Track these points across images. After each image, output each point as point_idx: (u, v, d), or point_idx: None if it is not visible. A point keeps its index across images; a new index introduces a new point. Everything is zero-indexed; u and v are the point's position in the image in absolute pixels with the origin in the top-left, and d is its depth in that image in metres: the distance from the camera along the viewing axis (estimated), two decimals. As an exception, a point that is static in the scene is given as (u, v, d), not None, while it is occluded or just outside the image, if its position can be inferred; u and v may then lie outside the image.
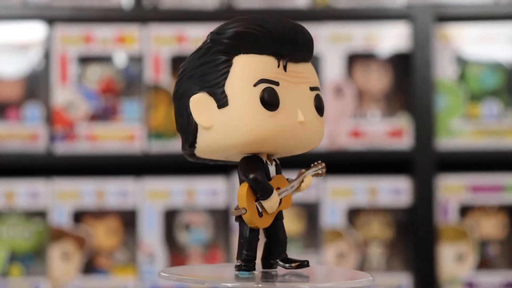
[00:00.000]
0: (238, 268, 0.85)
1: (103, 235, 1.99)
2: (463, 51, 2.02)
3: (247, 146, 0.84)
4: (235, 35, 0.83)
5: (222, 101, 0.83)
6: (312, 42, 0.87)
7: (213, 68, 0.84)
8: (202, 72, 0.84)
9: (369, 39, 2.00)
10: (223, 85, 0.83)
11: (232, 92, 0.83)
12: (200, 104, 0.83)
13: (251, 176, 0.84)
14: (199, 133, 0.84)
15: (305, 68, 0.87)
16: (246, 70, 0.83)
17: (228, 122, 0.83)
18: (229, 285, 0.81)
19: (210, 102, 0.83)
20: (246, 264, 0.85)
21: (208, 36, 0.86)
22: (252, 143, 0.83)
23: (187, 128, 0.85)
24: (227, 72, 0.83)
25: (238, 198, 0.85)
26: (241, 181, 0.85)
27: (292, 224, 1.98)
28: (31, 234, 1.98)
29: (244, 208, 0.84)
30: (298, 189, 0.88)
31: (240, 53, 0.83)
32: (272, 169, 0.86)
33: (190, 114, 0.84)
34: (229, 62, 0.83)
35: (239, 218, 0.85)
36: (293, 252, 1.96)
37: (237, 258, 0.85)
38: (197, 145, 0.85)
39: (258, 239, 0.86)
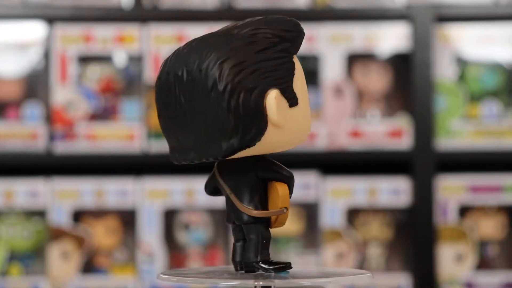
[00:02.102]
0: (279, 269, 0.84)
1: (102, 234, 1.99)
2: (463, 51, 2.02)
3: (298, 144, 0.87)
4: (299, 34, 0.85)
5: (293, 100, 0.83)
6: None
7: (281, 66, 0.83)
8: (268, 68, 0.82)
9: (369, 39, 2.00)
10: (292, 84, 0.83)
11: (298, 92, 0.84)
12: (277, 102, 0.82)
13: (292, 175, 0.85)
14: (267, 130, 0.83)
15: None
16: (300, 70, 0.85)
17: (297, 121, 0.83)
18: (229, 283, 0.81)
19: (282, 100, 0.83)
20: (277, 263, 0.85)
21: (263, 29, 0.84)
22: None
23: (249, 125, 0.81)
24: (294, 71, 0.84)
25: (278, 198, 0.84)
26: (265, 179, 0.85)
27: (291, 224, 1.98)
28: (30, 234, 1.98)
29: (285, 207, 0.84)
30: None
31: (294, 53, 0.85)
32: None
33: (260, 110, 0.82)
34: (293, 61, 0.84)
35: (259, 219, 0.84)
36: (292, 252, 1.96)
37: (258, 260, 0.84)
38: (259, 142, 0.82)
39: None
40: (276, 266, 0.84)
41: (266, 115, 0.81)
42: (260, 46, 0.83)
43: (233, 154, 0.82)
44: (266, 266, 0.84)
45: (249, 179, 0.85)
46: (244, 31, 0.83)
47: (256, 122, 0.81)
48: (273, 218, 0.85)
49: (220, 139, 0.81)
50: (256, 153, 0.83)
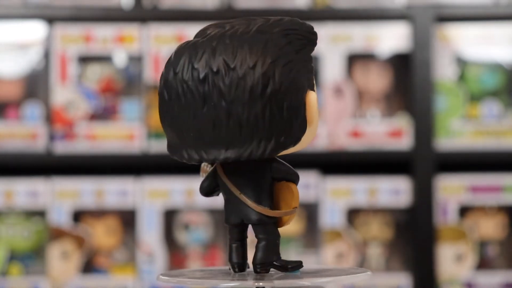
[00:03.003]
0: (295, 268, 0.85)
1: (102, 234, 1.99)
2: (463, 51, 2.02)
3: None
4: (316, 38, 0.88)
5: (317, 101, 0.85)
6: None
7: (312, 67, 0.86)
8: (306, 69, 0.84)
9: (369, 39, 2.00)
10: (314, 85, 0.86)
11: (317, 93, 0.86)
12: (315, 101, 0.84)
13: (297, 174, 0.86)
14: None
15: None
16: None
17: (318, 120, 0.86)
18: (229, 284, 0.81)
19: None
20: (291, 262, 0.85)
21: (293, 30, 0.85)
22: None
23: (296, 124, 0.83)
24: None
25: (293, 198, 0.85)
26: (278, 180, 0.85)
27: (291, 224, 1.97)
28: (30, 234, 1.98)
29: (296, 207, 0.85)
30: None
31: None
32: None
33: (305, 109, 0.83)
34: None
35: (272, 219, 0.85)
36: (292, 252, 1.96)
37: (274, 259, 0.85)
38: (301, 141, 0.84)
39: None
40: (293, 265, 0.85)
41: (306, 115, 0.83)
42: (296, 47, 0.84)
43: (278, 153, 0.83)
44: (284, 265, 0.85)
45: (264, 180, 0.85)
46: (275, 30, 0.83)
47: (301, 121, 0.83)
48: (285, 217, 0.85)
49: (265, 138, 0.81)
50: (286, 153, 0.84)
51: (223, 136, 0.82)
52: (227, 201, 0.86)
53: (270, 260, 0.84)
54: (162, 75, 0.85)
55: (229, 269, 0.87)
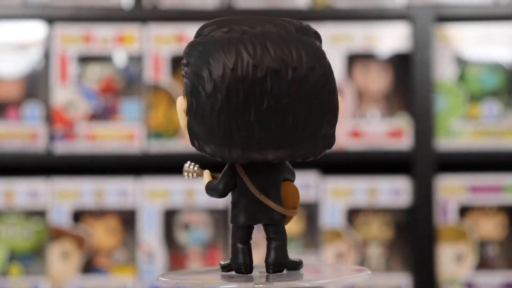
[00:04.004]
0: (301, 266, 0.87)
1: (102, 234, 1.99)
2: (463, 51, 2.02)
3: None
4: None
5: None
6: None
7: None
8: None
9: (369, 39, 2.00)
10: None
11: None
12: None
13: None
14: None
15: None
16: None
17: None
18: (229, 286, 0.81)
19: None
20: (295, 260, 0.87)
21: (311, 29, 0.85)
22: None
23: (335, 123, 0.85)
24: None
25: (298, 197, 0.86)
26: (284, 180, 0.86)
27: (291, 224, 1.97)
28: (30, 234, 1.98)
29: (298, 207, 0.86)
30: None
31: None
32: None
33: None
34: None
35: (289, 219, 0.86)
36: (292, 252, 1.96)
37: (286, 260, 0.85)
38: None
39: None
40: (300, 264, 0.86)
41: None
42: (318, 44, 0.85)
43: (322, 154, 0.85)
44: (294, 265, 0.86)
45: (278, 180, 0.85)
46: (309, 31, 0.84)
47: (336, 122, 0.84)
48: (290, 217, 0.86)
49: (319, 138, 0.83)
50: None
51: (277, 136, 0.81)
52: (240, 202, 0.85)
53: (284, 260, 0.85)
54: (209, 71, 0.81)
55: (221, 269, 0.86)
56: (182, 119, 0.84)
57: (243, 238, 0.85)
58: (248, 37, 0.81)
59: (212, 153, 0.83)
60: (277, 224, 0.85)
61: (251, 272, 0.85)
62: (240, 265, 0.85)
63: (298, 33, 0.83)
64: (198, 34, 0.84)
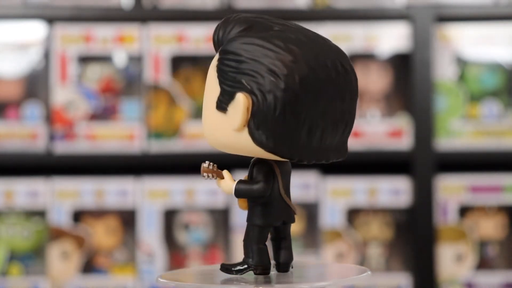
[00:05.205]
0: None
1: (102, 234, 1.99)
2: (463, 51, 2.02)
3: None
4: None
5: None
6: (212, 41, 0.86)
7: None
8: None
9: (369, 39, 2.00)
10: None
11: None
12: None
13: None
14: None
15: None
16: None
17: None
18: (229, 287, 0.81)
19: None
20: None
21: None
22: None
23: None
24: None
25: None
26: None
27: (292, 224, 1.98)
28: (30, 234, 1.98)
29: None
30: None
31: None
32: None
33: None
34: None
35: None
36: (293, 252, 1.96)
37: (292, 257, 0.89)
38: None
39: None
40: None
41: None
42: None
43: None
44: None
45: (289, 180, 0.86)
46: (324, 36, 0.85)
47: None
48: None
49: (347, 139, 0.84)
50: None
51: (338, 137, 0.82)
52: (269, 202, 0.84)
53: (292, 259, 0.89)
54: (292, 70, 0.79)
55: (235, 273, 0.86)
56: (241, 116, 0.79)
57: (266, 239, 0.85)
58: (307, 40, 0.81)
59: (294, 157, 0.81)
60: (291, 223, 0.87)
61: (278, 271, 0.87)
62: (267, 267, 0.85)
63: (315, 35, 0.85)
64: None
